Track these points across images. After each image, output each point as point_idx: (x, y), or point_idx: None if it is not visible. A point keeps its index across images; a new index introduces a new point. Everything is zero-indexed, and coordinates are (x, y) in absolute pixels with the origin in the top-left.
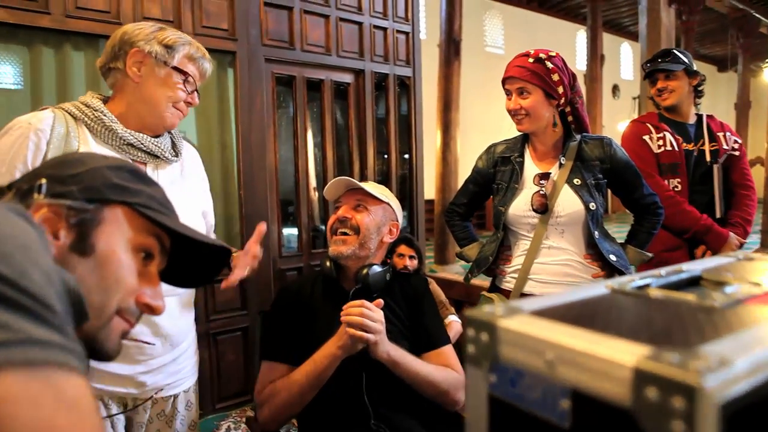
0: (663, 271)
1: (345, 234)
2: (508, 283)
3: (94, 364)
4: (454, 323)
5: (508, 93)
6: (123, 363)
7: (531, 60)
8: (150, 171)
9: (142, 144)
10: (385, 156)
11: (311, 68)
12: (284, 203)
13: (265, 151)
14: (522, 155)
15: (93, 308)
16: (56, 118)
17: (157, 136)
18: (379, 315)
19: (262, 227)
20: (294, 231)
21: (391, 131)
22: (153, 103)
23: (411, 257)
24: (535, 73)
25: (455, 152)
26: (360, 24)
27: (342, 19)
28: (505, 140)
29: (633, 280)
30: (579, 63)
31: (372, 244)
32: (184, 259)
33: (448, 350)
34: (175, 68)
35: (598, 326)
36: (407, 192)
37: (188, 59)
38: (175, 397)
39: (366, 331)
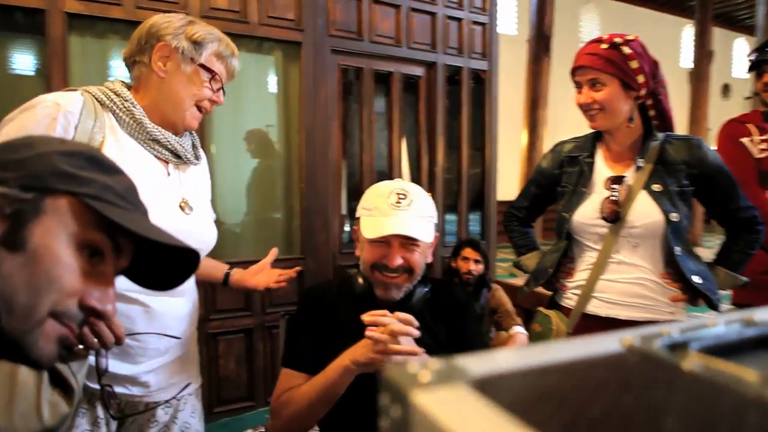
0: (723, 319)
1: (395, 276)
2: (569, 299)
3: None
4: (518, 335)
5: (579, 85)
6: (124, 362)
7: (604, 46)
8: (171, 169)
9: (168, 142)
10: (456, 154)
11: (380, 60)
12: (347, 198)
13: (328, 145)
14: (592, 155)
15: (18, 309)
16: (85, 102)
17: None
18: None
19: (275, 251)
20: None
21: (463, 127)
22: (176, 101)
23: (476, 261)
24: (609, 61)
25: (542, 152)
26: (433, 14)
27: (414, 9)
28: (574, 138)
29: (668, 333)
30: (684, 60)
31: (421, 275)
32: (157, 259)
33: None
34: (202, 66)
35: (561, 421)
36: (479, 192)
37: (216, 57)
38: (179, 399)
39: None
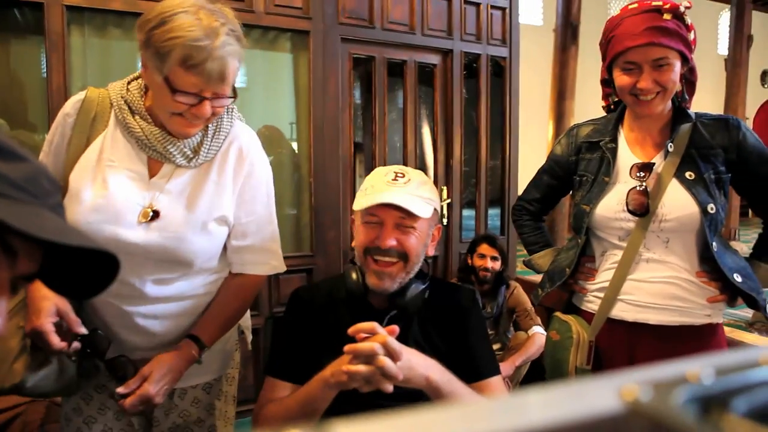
0: None
1: (389, 262)
2: (591, 303)
3: None
4: (537, 336)
5: (632, 67)
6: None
7: (668, 16)
8: (166, 171)
9: (149, 143)
10: (474, 145)
11: (393, 48)
12: None
13: (338, 138)
14: (614, 140)
15: None
16: (86, 101)
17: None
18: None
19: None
20: None
21: (481, 118)
22: (158, 108)
23: (493, 258)
24: (677, 36)
25: None
26: None
27: None
28: (591, 120)
29: (696, 379)
30: (721, 47)
31: (418, 266)
32: (79, 263)
33: (497, 383)
34: (167, 79)
35: None
36: (498, 186)
37: (183, 67)
38: (175, 389)
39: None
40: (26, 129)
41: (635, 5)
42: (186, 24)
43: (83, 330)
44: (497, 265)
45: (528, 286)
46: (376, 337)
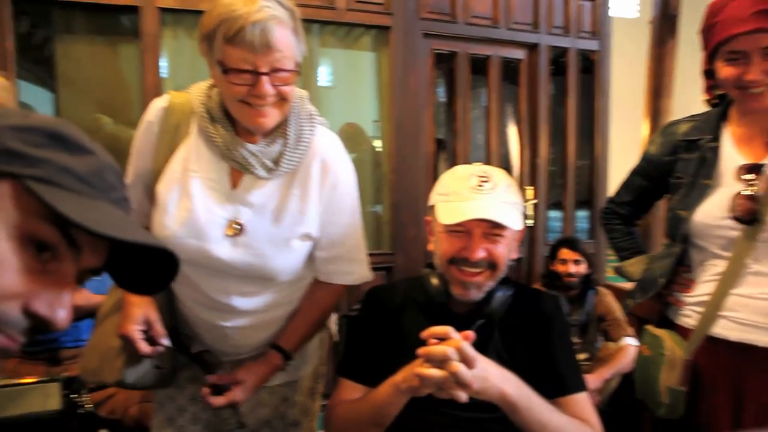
0: None
1: (476, 272)
2: (688, 317)
3: None
4: (629, 348)
5: (738, 56)
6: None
7: None
8: (247, 182)
9: (229, 152)
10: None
11: (476, 43)
12: None
13: (419, 135)
14: (717, 138)
15: None
16: (168, 109)
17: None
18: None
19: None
20: None
21: (569, 115)
22: (227, 104)
23: (576, 262)
24: None
25: None
26: None
27: None
28: (691, 116)
29: None
30: None
31: (504, 273)
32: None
33: (582, 400)
34: (219, 62)
35: None
36: (587, 187)
37: (227, 44)
38: (262, 388)
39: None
40: (129, 126)
41: None
42: (227, 1)
43: (167, 342)
44: (582, 269)
45: (620, 294)
46: (450, 341)
